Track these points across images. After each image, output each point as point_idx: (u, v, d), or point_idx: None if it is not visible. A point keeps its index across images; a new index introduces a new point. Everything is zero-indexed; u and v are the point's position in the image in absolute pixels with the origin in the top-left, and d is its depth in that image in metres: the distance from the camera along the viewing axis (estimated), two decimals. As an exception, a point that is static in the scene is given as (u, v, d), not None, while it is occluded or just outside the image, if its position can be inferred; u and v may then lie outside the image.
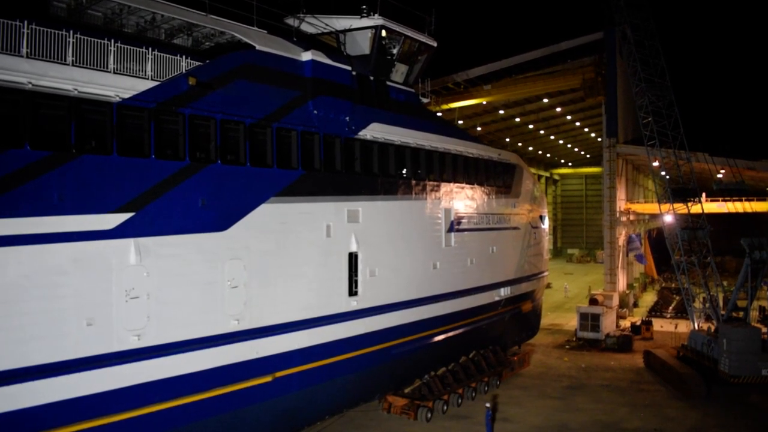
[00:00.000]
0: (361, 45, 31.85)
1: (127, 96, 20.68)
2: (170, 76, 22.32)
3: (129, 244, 20.36)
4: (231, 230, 23.49)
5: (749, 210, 64.16)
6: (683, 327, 52.69)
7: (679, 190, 45.45)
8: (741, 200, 64.01)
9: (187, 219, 22.07)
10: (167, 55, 22.46)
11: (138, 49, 21.59)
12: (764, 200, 71.55)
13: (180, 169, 22.01)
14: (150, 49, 21.91)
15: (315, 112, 27.40)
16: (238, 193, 23.90)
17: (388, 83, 32.75)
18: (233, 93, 24.17)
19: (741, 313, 40.70)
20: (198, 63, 23.51)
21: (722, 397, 36.20)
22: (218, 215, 23.10)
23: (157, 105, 21.46)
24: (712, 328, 41.81)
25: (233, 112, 23.93)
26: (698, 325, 43.56)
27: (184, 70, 22.76)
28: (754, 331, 37.79)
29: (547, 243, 52.67)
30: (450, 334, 35.84)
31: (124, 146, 20.54)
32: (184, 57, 23.02)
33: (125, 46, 21.20)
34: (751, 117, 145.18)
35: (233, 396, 23.34)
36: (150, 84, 21.49)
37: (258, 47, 25.84)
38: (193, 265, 22.22)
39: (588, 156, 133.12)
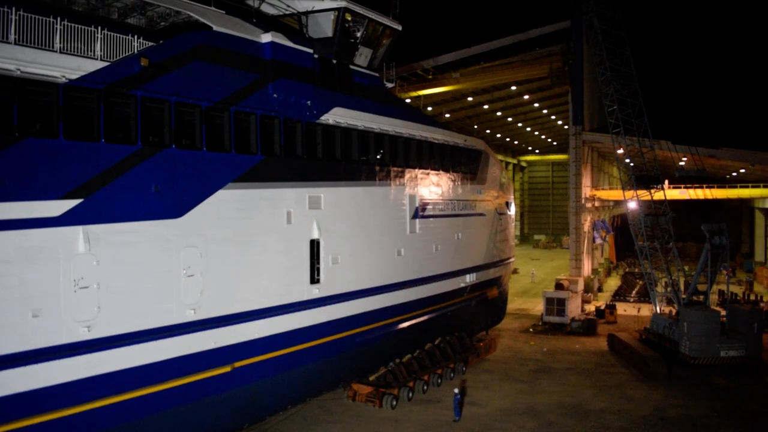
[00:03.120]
0: (323, 27, 31.12)
1: (74, 77, 19.79)
2: (121, 56, 21.43)
3: (77, 231, 19.54)
4: (186, 217, 22.76)
5: (710, 197, 65.50)
6: (646, 311, 53.55)
7: (643, 177, 46.05)
8: (702, 187, 65.23)
9: (139, 205, 21.30)
10: (118, 35, 21.55)
11: (86, 27, 20.66)
12: (724, 187, 73.03)
13: (132, 153, 21.20)
14: (99, 28, 20.97)
15: (275, 95, 26.71)
16: (194, 179, 23.15)
17: (352, 67, 32.14)
18: (189, 75, 23.35)
19: (701, 297, 41.42)
20: (151, 43, 22.63)
21: (683, 378, 36.91)
22: (173, 201, 22.36)
23: (107, 86, 20.59)
24: (674, 311, 42.46)
25: (189, 95, 23.14)
26: (660, 309, 44.23)
27: (136, 51, 21.88)
28: (714, 315, 38.48)
29: (513, 229, 52.82)
30: (415, 321, 35.63)
31: (72, 129, 19.66)
32: (136, 37, 22.13)
33: (73, 25, 20.26)
34: (712, 106, 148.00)
35: (190, 387, 22.72)
36: (99, 64, 20.61)
37: (215, 28, 24.99)
38: (146, 253, 21.48)
39: (555, 143, 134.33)
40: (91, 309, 19.88)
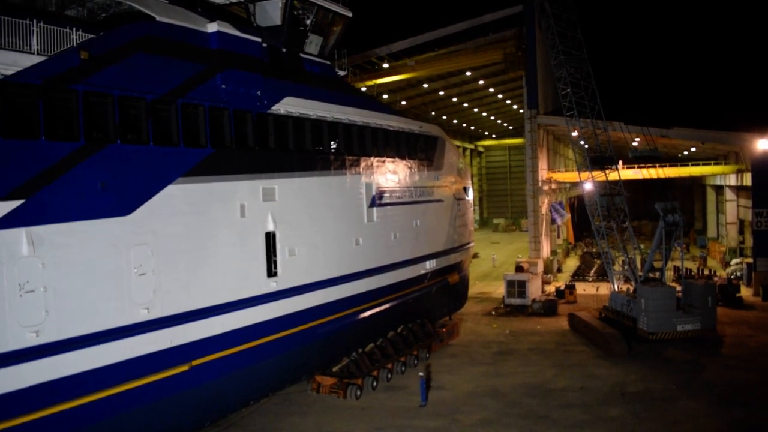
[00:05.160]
0: (271, 15, 30.51)
1: (9, 73, 18.88)
2: (60, 50, 20.58)
3: (19, 234, 18.68)
4: (135, 214, 22.02)
5: (662, 176, 66.90)
6: (604, 289, 54.55)
7: (597, 159, 46.75)
8: (655, 166, 66.58)
9: (85, 204, 20.50)
10: (55, 28, 20.67)
11: (20, 21, 19.75)
12: (676, 166, 74.79)
13: (75, 150, 20.35)
14: (35, 21, 20.09)
15: (223, 86, 26.06)
16: (142, 175, 22.39)
17: (302, 55, 31.58)
18: (132, 67, 22.56)
19: (657, 274, 42.38)
20: (91, 36, 21.78)
21: (642, 353, 37.78)
22: (120, 199, 21.61)
23: (45, 82, 19.72)
24: (631, 289, 43.37)
25: (133, 88, 22.37)
26: (618, 287, 45.14)
27: (75, 44, 21.03)
28: (669, 290, 39.45)
29: (472, 214, 53.07)
30: (376, 309, 35.45)
31: (8, 127, 18.76)
32: (75, 29, 21.25)
33: (6, 18, 19.35)
34: (663, 87, 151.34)
35: (147, 388, 22.06)
36: (36, 59, 19.71)
37: (158, 18, 24.20)
38: (94, 252, 20.69)
39: (511, 128, 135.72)
40: (39, 313, 19.10)
